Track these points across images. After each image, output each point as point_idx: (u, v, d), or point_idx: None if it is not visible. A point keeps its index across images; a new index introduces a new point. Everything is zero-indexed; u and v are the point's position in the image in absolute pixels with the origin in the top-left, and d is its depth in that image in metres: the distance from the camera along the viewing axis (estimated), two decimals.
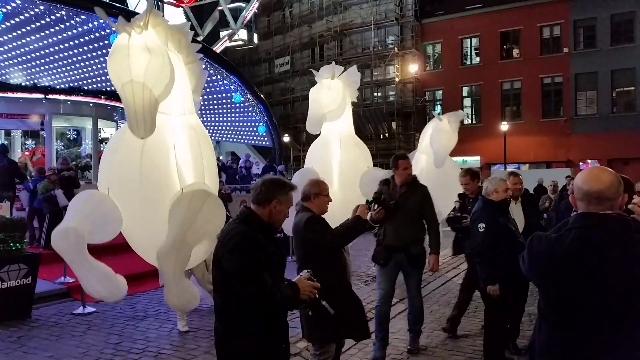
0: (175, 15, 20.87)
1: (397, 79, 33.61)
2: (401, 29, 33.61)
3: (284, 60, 39.77)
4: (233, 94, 19.83)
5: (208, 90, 18.77)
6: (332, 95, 6.32)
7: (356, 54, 35.08)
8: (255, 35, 30.69)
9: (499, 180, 4.66)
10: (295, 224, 3.85)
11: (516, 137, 28.36)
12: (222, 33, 27.22)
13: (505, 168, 27.30)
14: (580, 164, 27.64)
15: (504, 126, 27.79)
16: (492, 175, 5.42)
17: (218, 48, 24.88)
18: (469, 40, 32.00)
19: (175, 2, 18.72)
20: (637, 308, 1.96)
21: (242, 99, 20.23)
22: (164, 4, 18.44)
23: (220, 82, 18.99)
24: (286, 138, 31.09)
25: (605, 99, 28.18)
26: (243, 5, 27.59)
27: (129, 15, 15.61)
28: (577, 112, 28.97)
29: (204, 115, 21.51)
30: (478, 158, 29.86)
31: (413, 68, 32.73)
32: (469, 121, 31.95)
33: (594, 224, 2.06)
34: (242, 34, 26.22)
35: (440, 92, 33.18)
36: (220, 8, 25.62)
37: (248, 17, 26.30)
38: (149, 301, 7.67)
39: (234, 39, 26.69)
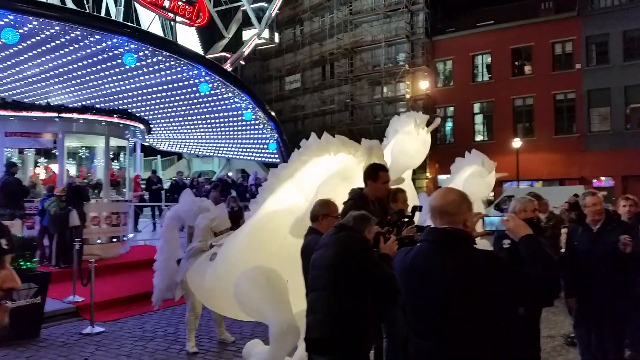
0: (188, 34, 21.11)
1: (407, 96, 33.62)
2: (412, 46, 33.71)
3: (295, 78, 40.07)
4: (244, 111, 19.89)
5: (219, 107, 18.87)
6: (423, 150, 6.27)
7: (367, 71, 35.24)
8: (276, 35, 31.37)
9: (528, 200, 4.58)
10: (307, 244, 3.75)
11: (529, 154, 28.11)
12: (245, 32, 28.04)
13: (518, 185, 27.03)
14: (594, 181, 27.28)
15: (517, 143, 27.56)
16: (517, 195, 5.22)
17: (246, 50, 26.22)
18: (480, 57, 31.98)
19: (188, 22, 18.94)
20: (463, 310, 2.15)
21: (253, 116, 20.29)
22: (177, 24, 18.65)
23: (231, 100, 19.08)
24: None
25: (619, 115, 27.89)
26: (265, 5, 28.40)
27: (143, 34, 15.78)
28: (590, 128, 28.68)
29: (215, 133, 21.60)
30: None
31: (424, 85, 32.74)
32: (481, 138, 31.79)
33: (433, 237, 2.32)
34: (265, 33, 27.24)
35: (452, 108, 33.09)
36: (243, 9, 26.59)
37: (272, 16, 27.18)
38: (158, 321, 7.58)
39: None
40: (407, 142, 6.18)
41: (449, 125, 33.19)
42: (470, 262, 2.18)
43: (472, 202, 2.40)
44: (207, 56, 26.90)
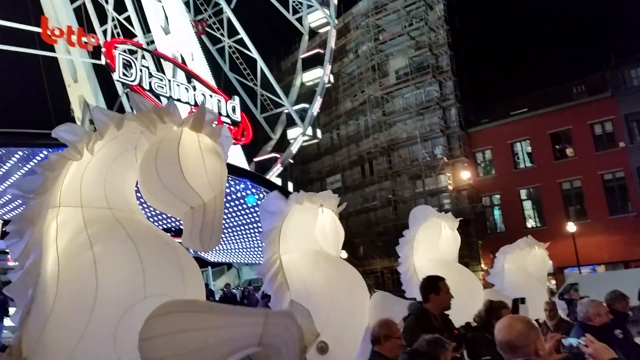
0: (234, 148, 22.21)
1: (450, 187, 33.53)
2: (448, 139, 34.22)
3: (335, 178, 40.91)
4: None
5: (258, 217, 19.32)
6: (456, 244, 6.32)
7: (405, 166, 35.70)
8: (319, 131, 33.17)
9: (597, 302, 4.32)
10: None
11: (585, 237, 26.91)
12: (289, 132, 30.20)
13: (580, 271, 25.65)
14: None
15: (571, 227, 26.57)
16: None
17: (294, 148, 28.57)
18: (519, 144, 32.04)
19: (233, 142, 20.05)
20: None
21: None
22: None
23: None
24: (343, 254, 30.86)
25: None
26: (306, 105, 30.74)
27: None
28: None
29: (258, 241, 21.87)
30: (549, 263, 28.24)
31: (465, 175, 32.73)
32: (532, 224, 30.89)
33: None
34: (308, 130, 29.70)
35: (498, 196, 32.65)
36: (286, 111, 28.11)
37: (314, 114, 29.48)
38: None
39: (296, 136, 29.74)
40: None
41: (497, 213, 32.57)
42: None
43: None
44: (257, 158, 28.51)
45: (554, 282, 28.16)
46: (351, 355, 4.01)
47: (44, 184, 2.43)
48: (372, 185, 37.57)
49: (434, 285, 4.09)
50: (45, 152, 13.28)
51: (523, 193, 31.73)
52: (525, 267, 6.83)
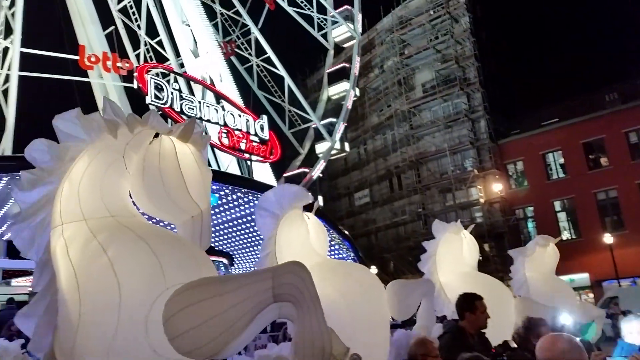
0: (263, 165, 22.50)
1: (482, 200, 33.04)
2: (478, 152, 33.84)
3: (364, 193, 40.85)
4: None
5: None
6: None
7: (435, 180, 35.40)
8: (347, 144, 33.57)
9: None
10: None
11: (623, 248, 26.05)
12: (317, 146, 30.96)
13: (619, 284, 24.79)
14: None
15: (608, 238, 25.78)
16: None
17: (323, 162, 29.31)
18: (551, 154, 31.44)
19: (262, 160, 20.37)
20: None
21: (328, 238, 20.66)
22: (252, 162, 20.09)
23: None
24: (374, 269, 30.69)
25: None
26: (334, 120, 31.33)
27: (224, 175, 16.93)
28: None
29: None
30: (586, 275, 27.52)
31: (497, 187, 32.21)
32: (569, 236, 30.11)
33: None
34: (336, 144, 30.29)
35: (531, 208, 32.00)
36: (314, 126, 28.81)
37: (342, 129, 30.28)
38: None
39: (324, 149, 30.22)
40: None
41: (531, 225, 31.91)
42: None
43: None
44: (287, 174, 28.96)
45: (591, 295, 27.29)
46: (383, 354, 3.91)
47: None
48: (401, 199, 37.36)
49: (470, 304, 4.05)
50: None
51: (557, 204, 31.02)
52: (550, 273, 6.30)
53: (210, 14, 32.00)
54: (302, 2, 34.29)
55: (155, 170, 2.65)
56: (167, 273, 2.37)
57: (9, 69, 24.42)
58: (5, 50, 25.12)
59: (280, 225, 3.93)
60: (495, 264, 31.24)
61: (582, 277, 26.89)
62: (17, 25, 24.54)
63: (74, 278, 2.40)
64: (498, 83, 34.07)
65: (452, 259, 5.64)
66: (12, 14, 25.54)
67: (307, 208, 4.28)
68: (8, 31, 25.49)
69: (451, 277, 5.50)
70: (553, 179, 31.24)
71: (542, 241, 6.28)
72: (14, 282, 21.85)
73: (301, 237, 4.10)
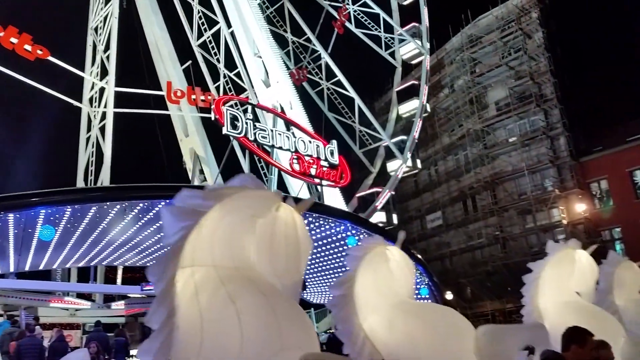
0: (333, 194, 22.73)
1: (564, 222, 31.25)
2: (558, 170, 32.22)
3: (436, 216, 39.94)
4: None
5: None
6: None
7: (513, 200, 34.00)
8: (418, 161, 33.27)
9: None
10: None
11: None
12: (389, 165, 31.24)
13: None
14: None
15: None
16: None
17: (397, 179, 29.65)
18: (639, 172, 29.32)
19: (332, 185, 20.64)
20: None
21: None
22: (323, 187, 20.40)
23: None
24: (449, 295, 29.74)
25: None
26: (404, 137, 31.47)
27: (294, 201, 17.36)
28: None
29: None
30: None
31: (580, 208, 30.41)
32: None
33: None
34: (408, 161, 30.19)
35: (618, 229, 29.87)
36: (385, 144, 29.45)
37: (413, 144, 30.27)
38: None
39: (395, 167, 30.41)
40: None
41: (618, 247, 29.71)
42: None
43: None
44: (358, 194, 29.17)
45: None
46: None
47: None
48: (477, 222, 36.12)
49: (581, 337, 3.75)
50: (162, 203, 14.64)
51: None
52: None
53: (282, 42, 33.38)
54: (369, 23, 34.88)
55: (281, 237, 2.88)
56: (283, 334, 2.59)
57: (105, 107, 26.82)
58: (102, 90, 27.65)
59: (361, 266, 3.88)
60: None
61: None
62: (111, 67, 27.04)
63: (199, 319, 2.60)
64: (576, 99, 32.41)
65: (559, 284, 4.98)
66: (107, 57, 28.09)
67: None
68: (103, 72, 28.12)
69: (553, 305, 4.89)
70: None
71: (617, 258, 5.59)
72: (114, 305, 23.64)
73: (379, 280, 3.96)
